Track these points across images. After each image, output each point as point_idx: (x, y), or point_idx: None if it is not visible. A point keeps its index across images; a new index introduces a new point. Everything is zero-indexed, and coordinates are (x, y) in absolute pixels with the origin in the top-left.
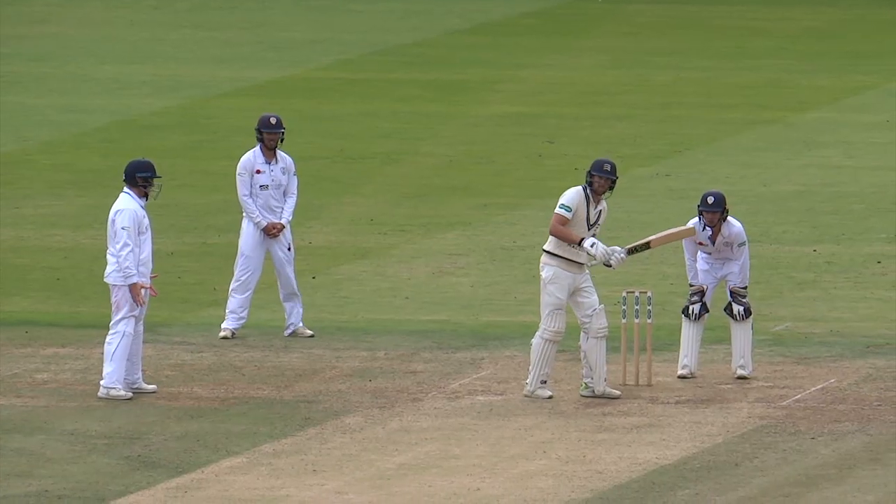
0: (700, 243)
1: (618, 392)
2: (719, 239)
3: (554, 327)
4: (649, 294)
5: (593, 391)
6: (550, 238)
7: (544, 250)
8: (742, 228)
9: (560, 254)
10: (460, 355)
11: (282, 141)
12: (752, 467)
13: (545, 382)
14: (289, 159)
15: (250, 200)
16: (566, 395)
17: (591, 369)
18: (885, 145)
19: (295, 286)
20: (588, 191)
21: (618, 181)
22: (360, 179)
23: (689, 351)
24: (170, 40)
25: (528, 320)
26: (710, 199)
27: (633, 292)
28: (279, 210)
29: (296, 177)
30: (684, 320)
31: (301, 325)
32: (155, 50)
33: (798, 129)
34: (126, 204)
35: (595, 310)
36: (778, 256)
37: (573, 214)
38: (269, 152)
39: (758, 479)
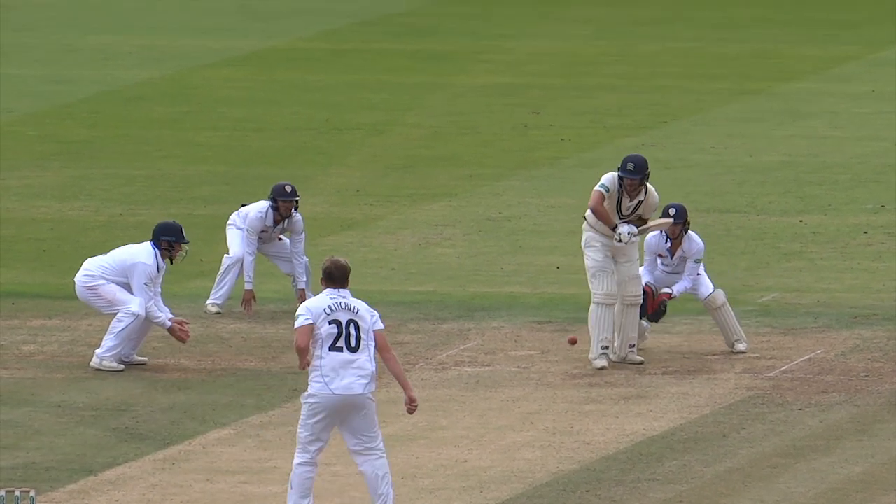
0: (660, 255)
1: (641, 358)
2: (678, 253)
3: (602, 290)
4: None
5: (616, 355)
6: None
7: (585, 217)
8: (703, 247)
9: (593, 223)
10: (447, 326)
11: (296, 209)
12: (739, 438)
13: (606, 349)
14: (298, 220)
15: (251, 260)
16: (553, 367)
17: (616, 335)
18: (870, 115)
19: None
20: (621, 184)
21: (648, 173)
22: (346, 150)
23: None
24: (155, 11)
25: (515, 291)
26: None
27: None
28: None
29: (304, 234)
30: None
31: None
32: (140, 20)
33: (783, 100)
34: (146, 258)
35: (630, 277)
36: (764, 227)
37: (610, 196)
38: (280, 217)
39: (745, 449)
